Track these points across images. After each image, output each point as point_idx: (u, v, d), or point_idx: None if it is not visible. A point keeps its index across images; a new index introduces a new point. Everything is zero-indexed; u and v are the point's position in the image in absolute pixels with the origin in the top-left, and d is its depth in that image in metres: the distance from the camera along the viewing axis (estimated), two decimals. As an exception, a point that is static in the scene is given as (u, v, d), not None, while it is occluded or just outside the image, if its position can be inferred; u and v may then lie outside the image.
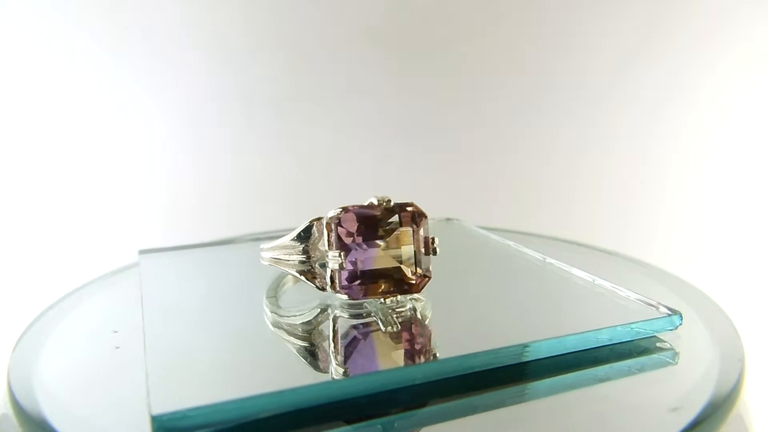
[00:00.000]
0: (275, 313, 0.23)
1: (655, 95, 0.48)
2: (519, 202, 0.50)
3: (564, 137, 0.49)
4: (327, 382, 0.18)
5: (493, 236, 0.32)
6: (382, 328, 0.21)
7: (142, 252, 0.32)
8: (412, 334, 0.20)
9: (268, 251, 0.23)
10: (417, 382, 0.18)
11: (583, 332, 0.20)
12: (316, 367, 0.19)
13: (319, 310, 0.23)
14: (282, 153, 0.49)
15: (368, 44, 0.48)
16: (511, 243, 0.30)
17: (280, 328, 0.22)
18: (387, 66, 0.48)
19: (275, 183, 0.49)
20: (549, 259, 0.27)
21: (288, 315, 0.23)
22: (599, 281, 0.24)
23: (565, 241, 0.35)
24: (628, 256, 0.32)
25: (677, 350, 0.20)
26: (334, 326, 0.22)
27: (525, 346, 0.19)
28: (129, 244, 0.49)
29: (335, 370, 0.19)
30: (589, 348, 0.20)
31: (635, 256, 0.32)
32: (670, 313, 0.21)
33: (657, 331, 0.21)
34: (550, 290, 0.25)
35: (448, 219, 0.37)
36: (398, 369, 0.18)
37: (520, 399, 0.18)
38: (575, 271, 0.26)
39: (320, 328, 0.22)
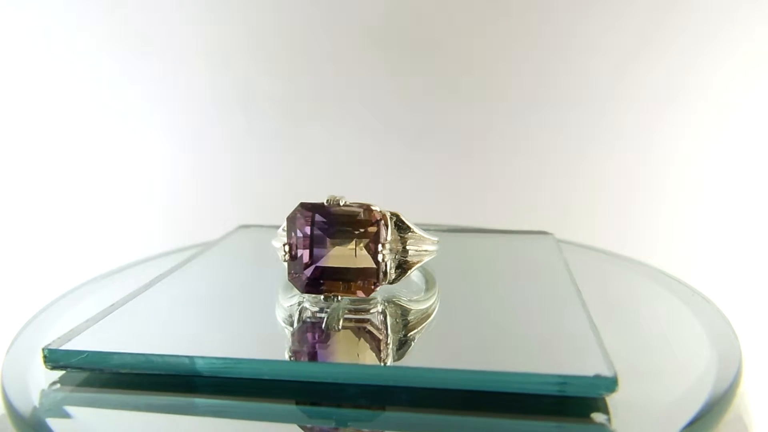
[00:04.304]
0: (278, 297, 0.23)
1: (656, 95, 0.48)
2: (519, 202, 0.49)
3: (564, 137, 0.49)
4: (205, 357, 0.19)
5: (556, 257, 0.29)
6: (322, 325, 0.21)
7: (241, 226, 0.34)
8: (360, 335, 0.20)
9: (274, 239, 0.23)
10: (337, 381, 0.18)
11: (496, 371, 0.17)
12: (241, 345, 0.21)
13: (298, 299, 0.23)
14: (282, 153, 0.49)
15: (368, 44, 0.47)
16: (564, 266, 0.27)
17: (267, 310, 0.23)
18: (387, 66, 0.48)
19: (275, 183, 0.49)
20: (584, 295, 0.23)
21: (282, 300, 0.23)
22: (587, 328, 0.20)
23: (565, 241, 0.35)
24: (627, 257, 0.32)
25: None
26: (299, 316, 0.22)
27: (446, 371, 0.18)
28: (128, 245, 0.49)
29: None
30: (504, 390, 0.17)
31: (635, 256, 0.32)
32: (606, 375, 0.17)
33: (580, 393, 0.17)
34: (538, 324, 0.22)
35: (543, 232, 0.33)
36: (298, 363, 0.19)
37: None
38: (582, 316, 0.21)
39: (288, 314, 0.22)
